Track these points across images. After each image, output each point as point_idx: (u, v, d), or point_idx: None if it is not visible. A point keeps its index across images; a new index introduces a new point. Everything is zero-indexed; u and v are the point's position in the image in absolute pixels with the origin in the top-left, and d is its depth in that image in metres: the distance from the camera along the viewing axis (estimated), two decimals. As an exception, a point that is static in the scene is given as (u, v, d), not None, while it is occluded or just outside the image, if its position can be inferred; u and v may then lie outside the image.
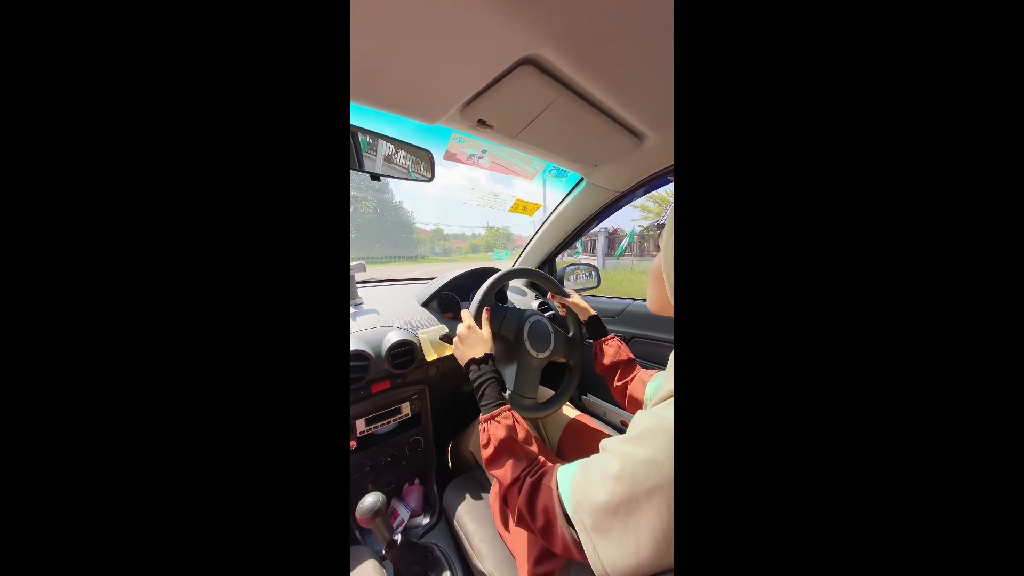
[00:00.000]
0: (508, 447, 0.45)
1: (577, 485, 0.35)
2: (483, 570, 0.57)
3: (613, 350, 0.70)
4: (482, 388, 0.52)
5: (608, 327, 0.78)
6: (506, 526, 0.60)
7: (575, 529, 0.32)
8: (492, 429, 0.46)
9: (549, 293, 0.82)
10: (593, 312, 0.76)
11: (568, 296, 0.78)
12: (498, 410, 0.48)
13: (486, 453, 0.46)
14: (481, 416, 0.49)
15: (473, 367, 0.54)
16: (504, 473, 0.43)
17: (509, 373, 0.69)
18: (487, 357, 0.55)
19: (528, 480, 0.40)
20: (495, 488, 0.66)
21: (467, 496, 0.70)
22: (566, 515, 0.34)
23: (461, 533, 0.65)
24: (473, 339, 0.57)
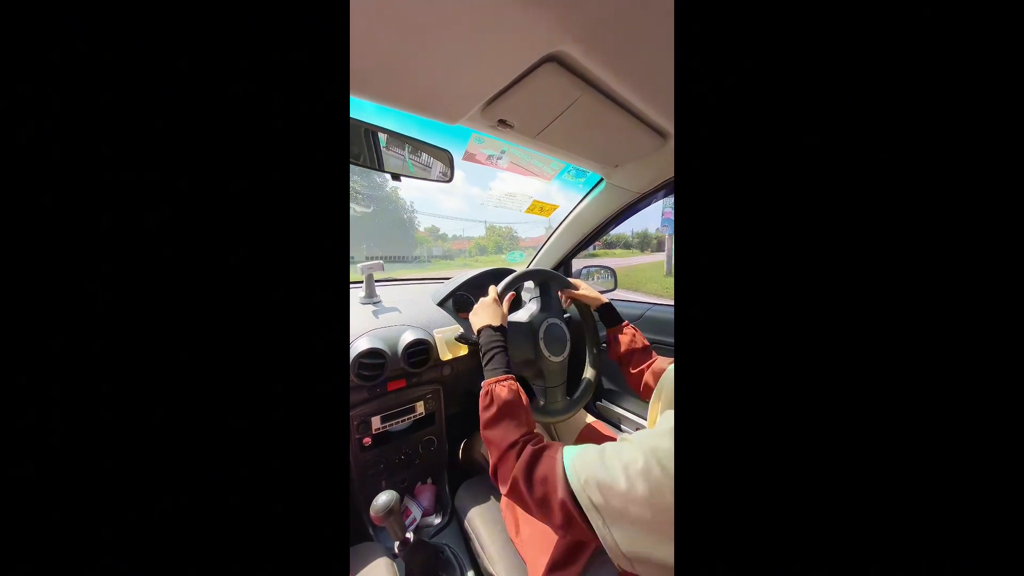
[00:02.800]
0: (511, 410, 0.44)
1: (588, 463, 0.33)
2: (494, 575, 0.57)
3: (628, 338, 0.68)
4: (491, 354, 0.52)
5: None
6: (517, 532, 0.59)
7: (580, 505, 0.31)
8: (496, 390, 0.46)
9: (562, 295, 0.80)
10: (605, 300, 0.74)
11: (576, 288, 0.76)
12: (503, 376, 0.48)
13: (486, 415, 0.45)
14: (485, 380, 0.49)
15: (486, 331, 0.55)
16: (502, 435, 0.41)
17: (538, 387, 0.69)
18: (501, 328, 0.56)
19: (530, 447, 0.38)
20: (505, 500, 0.65)
21: (479, 499, 0.70)
22: (570, 490, 0.32)
23: (472, 536, 0.64)
24: (493, 309, 0.58)
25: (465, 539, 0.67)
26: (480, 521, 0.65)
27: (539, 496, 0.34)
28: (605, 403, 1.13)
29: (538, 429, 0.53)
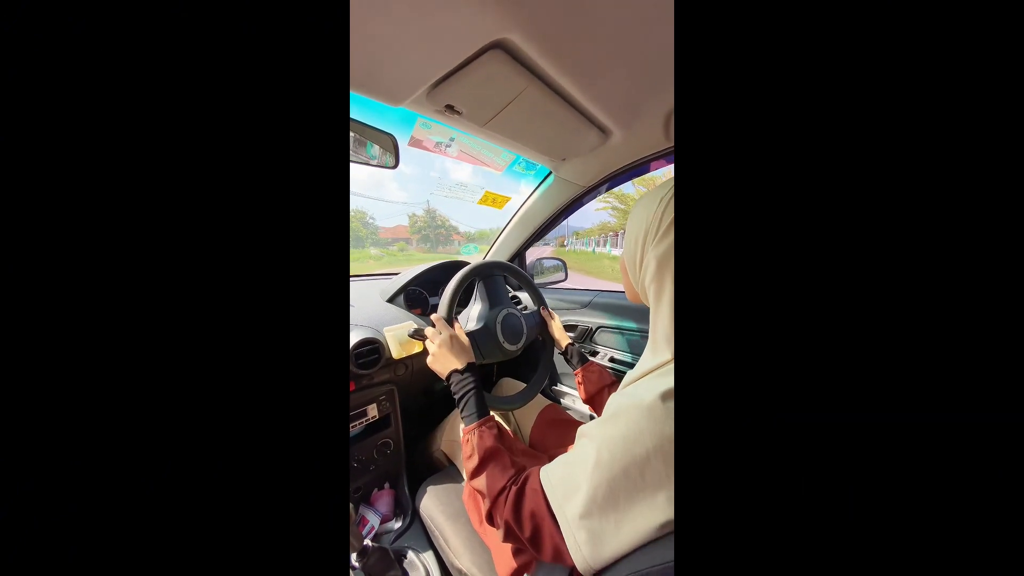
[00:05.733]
0: (494, 455, 0.44)
1: (562, 479, 0.34)
2: (460, 567, 0.57)
3: (596, 375, 0.70)
4: (465, 399, 0.51)
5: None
6: (481, 521, 0.60)
7: (559, 527, 0.32)
8: (476, 439, 0.45)
9: (540, 307, 0.80)
10: (569, 340, 0.77)
11: (553, 318, 0.79)
12: (482, 420, 0.48)
13: (470, 465, 0.44)
14: (464, 427, 0.48)
15: (455, 377, 0.53)
16: (490, 483, 0.41)
17: (493, 374, 0.68)
18: (469, 366, 0.54)
19: (513, 488, 0.39)
20: (468, 487, 0.65)
21: (440, 495, 0.68)
22: (553, 515, 0.33)
23: (437, 533, 0.63)
24: (456, 349, 0.55)
25: (429, 538, 0.66)
26: (443, 517, 0.64)
27: (529, 533, 0.35)
28: (559, 387, 1.19)
29: (497, 416, 0.53)
